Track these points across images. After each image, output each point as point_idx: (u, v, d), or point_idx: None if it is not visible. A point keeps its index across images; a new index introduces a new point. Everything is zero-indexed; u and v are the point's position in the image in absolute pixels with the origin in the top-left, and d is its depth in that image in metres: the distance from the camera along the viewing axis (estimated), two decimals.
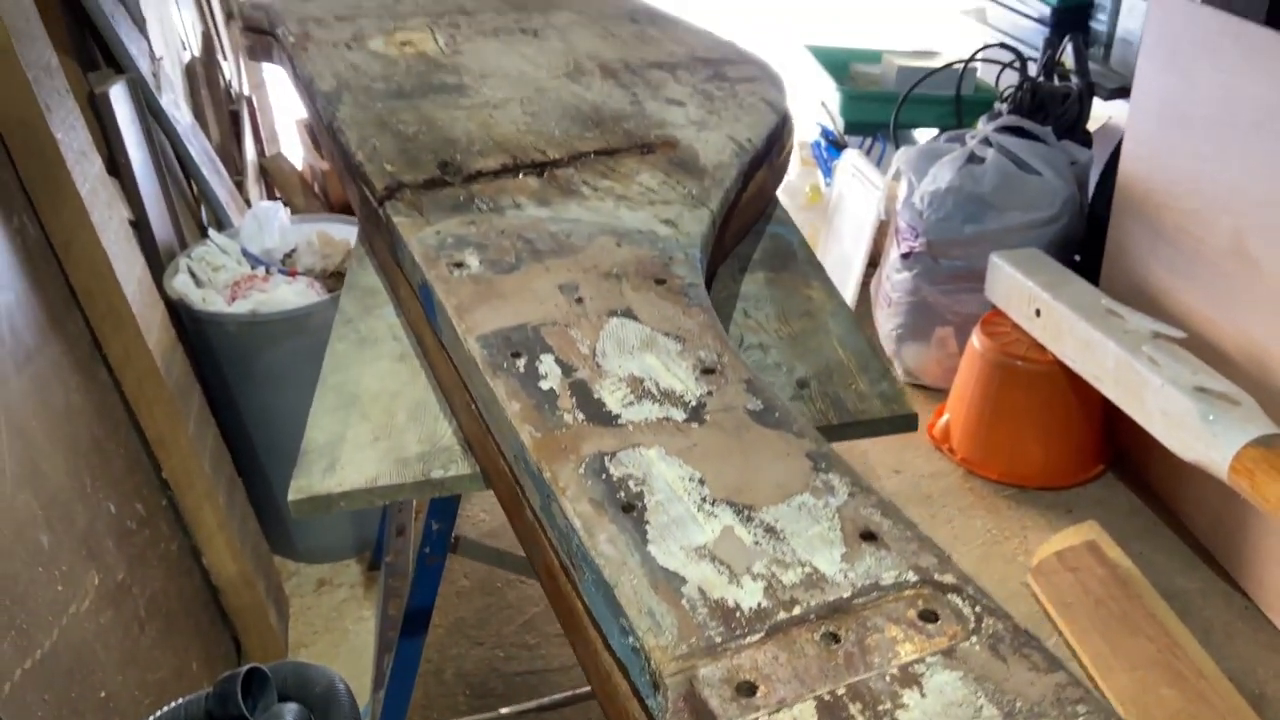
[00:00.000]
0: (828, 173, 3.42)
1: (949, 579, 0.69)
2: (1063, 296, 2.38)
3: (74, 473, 1.63)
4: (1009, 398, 2.55)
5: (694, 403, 0.88)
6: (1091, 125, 3.13)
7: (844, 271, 3.21)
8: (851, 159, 3.21)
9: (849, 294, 3.14)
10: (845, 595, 0.68)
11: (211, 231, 2.33)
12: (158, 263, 2.23)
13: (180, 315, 2.12)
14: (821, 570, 0.70)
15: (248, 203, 2.68)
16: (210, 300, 2.11)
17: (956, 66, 3.22)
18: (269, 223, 2.30)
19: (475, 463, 1.05)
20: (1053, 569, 2.26)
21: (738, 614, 0.66)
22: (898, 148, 3.14)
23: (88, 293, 1.72)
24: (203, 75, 2.88)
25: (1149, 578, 2.22)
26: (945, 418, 2.75)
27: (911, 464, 2.68)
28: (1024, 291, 2.49)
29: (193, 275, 2.23)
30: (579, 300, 1.05)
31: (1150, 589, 2.18)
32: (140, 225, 2.18)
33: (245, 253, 2.28)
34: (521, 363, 0.95)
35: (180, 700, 1.33)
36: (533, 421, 0.86)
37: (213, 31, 3.22)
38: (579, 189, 1.32)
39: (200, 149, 2.42)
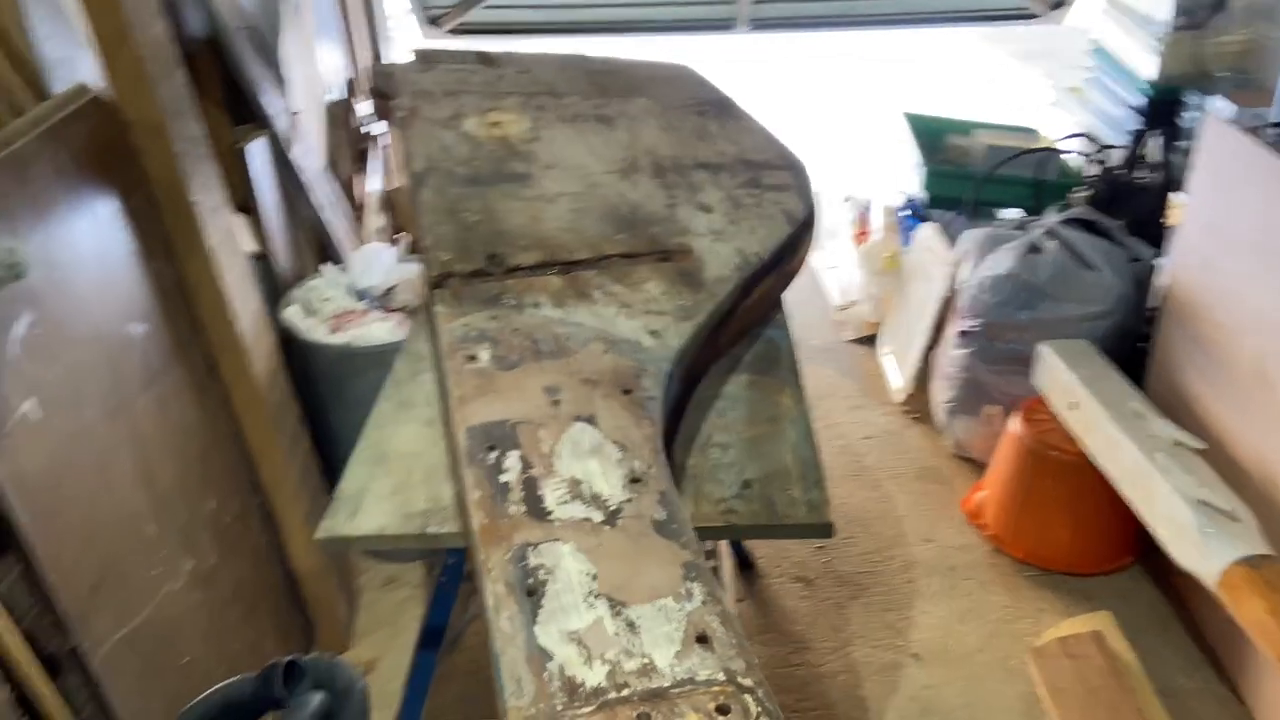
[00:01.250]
0: (908, 241, 3.56)
1: (748, 682, 0.90)
2: (1097, 392, 2.48)
3: (182, 475, 1.97)
4: (1040, 483, 2.65)
5: (614, 507, 1.11)
6: (1177, 218, 3.17)
7: (908, 340, 3.35)
8: (927, 232, 3.34)
9: (911, 362, 3.28)
10: (666, 685, 0.90)
11: (326, 266, 2.68)
12: (277, 292, 2.59)
13: (289, 341, 2.47)
14: (656, 663, 0.92)
15: (365, 238, 3.03)
16: (314, 330, 2.44)
17: (1042, 150, 3.31)
18: (375, 262, 2.63)
19: (463, 524, 1.31)
20: (1053, 653, 2.36)
21: (581, 689, 0.89)
22: (975, 226, 3.25)
23: (208, 325, 2.06)
24: (341, 116, 3.25)
25: (1152, 673, 2.30)
26: (982, 494, 2.87)
27: (943, 535, 2.81)
28: (1064, 383, 2.59)
29: (306, 303, 2.58)
30: (556, 402, 1.29)
31: (1146, 684, 2.27)
32: (265, 258, 2.54)
33: (352, 287, 2.61)
34: (493, 456, 1.19)
35: (236, 678, 1.64)
36: (485, 509, 1.11)
37: (356, 75, 3.60)
38: (592, 293, 1.56)
39: (324, 192, 2.77)
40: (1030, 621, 2.53)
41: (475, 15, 4.24)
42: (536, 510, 1.11)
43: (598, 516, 1.10)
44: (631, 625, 0.96)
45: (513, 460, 1.18)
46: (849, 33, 5.10)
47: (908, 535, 2.81)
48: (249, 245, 2.47)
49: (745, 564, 2.69)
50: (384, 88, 2.56)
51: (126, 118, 1.84)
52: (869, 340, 3.69)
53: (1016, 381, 2.89)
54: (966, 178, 3.38)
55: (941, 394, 3.13)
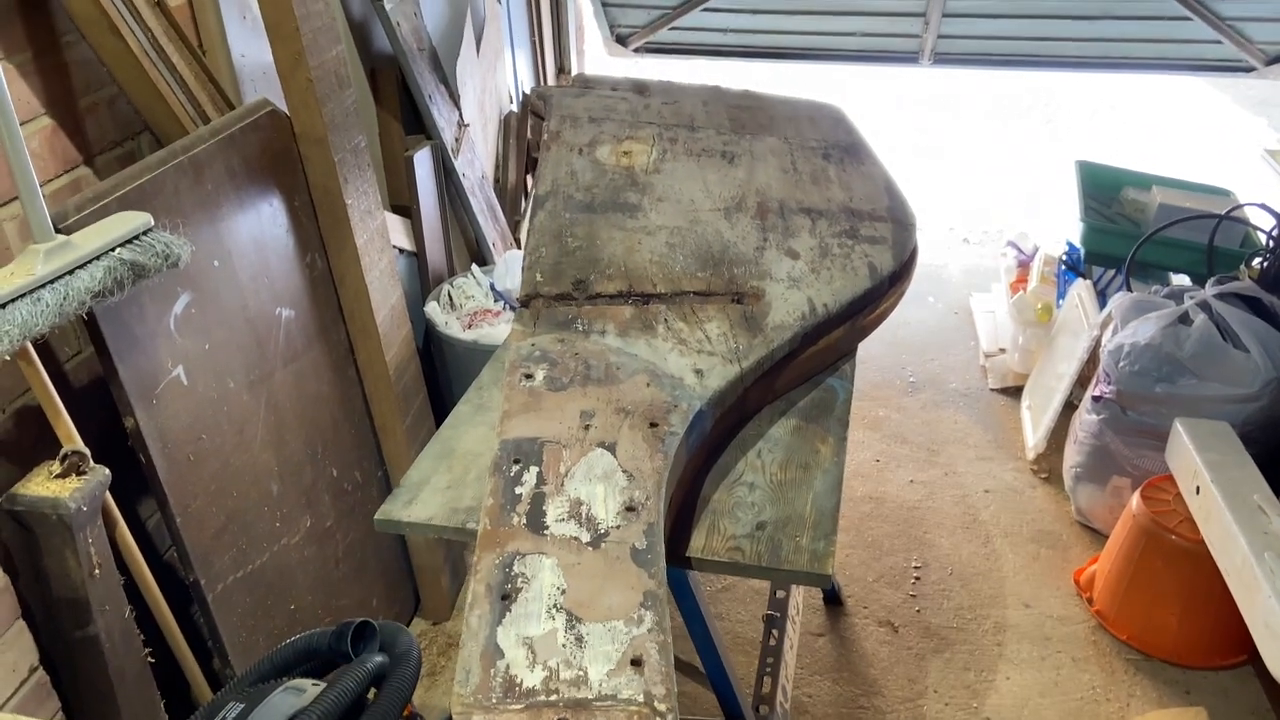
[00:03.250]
0: (1062, 294, 3.45)
1: (662, 708, 1.00)
2: (1221, 479, 2.36)
3: (310, 443, 2.23)
4: (1151, 566, 2.54)
5: (603, 530, 1.23)
6: None
7: (1048, 397, 3.25)
8: (1079, 289, 3.23)
9: (1046, 421, 3.19)
10: (589, 697, 1.01)
11: (474, 266, 2.92)
12: (426, 287, 2.85)
13: (432, 331, 2.72)
14: (588, 676, 1.03)
15: (517, 242, 3.26)
16: (450, 324, 2.68)
17: (1210, 216, 3.13)
18: (514, 267, 2.84)
19: None
20: None
21: (517, 688, 1.02)
22: (1129, 289, 3.13)
23: (350, 313, 2.32)
24: (515, 127, 3.50)
25: None
26: (1095, 567, 2.77)
27: (1045, 602, 2.74)
28: (1190, 464, 2.48)
29: (451, 298, 2.82)
30: (587, 427, 1.42)
31: None
32: (420, 255, 2.80)
33: (493, 288, 2.84)
34: (516, 469, 1.34)
35: (319, 630, 1.86)
36: (492, 516, 1.26)
37: (540, 86, 3.85)
38: (656, 326, 1.68)
39: (482, 199, 3.01)
40: (1118, 706, 2.44)
41: (662, 35, 4.42)
42: (535, 524, 1.24)
43: (586, 537, 1.22)
44: (580, 639, 1.07)
45: (530, 476, 1.32)
46: (1042, 74, 4.93)
47: (1007, 597, 2.76)
48: (404, 243, 2.74)
49: (832, 598, 2.73)
50: (539, 110, 2.76)
51: (296, 130, 2.11)
52: (1015, 391, 3.60)
53: (1149, 456, 2.78)
54: (1126, 235, 3.24)
55: (1070, 458, 3.03)
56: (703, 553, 1.40)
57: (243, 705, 1.66)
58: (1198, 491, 2.44)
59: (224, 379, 1.95)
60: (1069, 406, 3.19)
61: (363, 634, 1.75)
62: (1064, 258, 3.54)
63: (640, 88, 2.85)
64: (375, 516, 1.51)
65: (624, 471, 1.33)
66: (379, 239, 2.36)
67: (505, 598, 1.13)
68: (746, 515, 1.47)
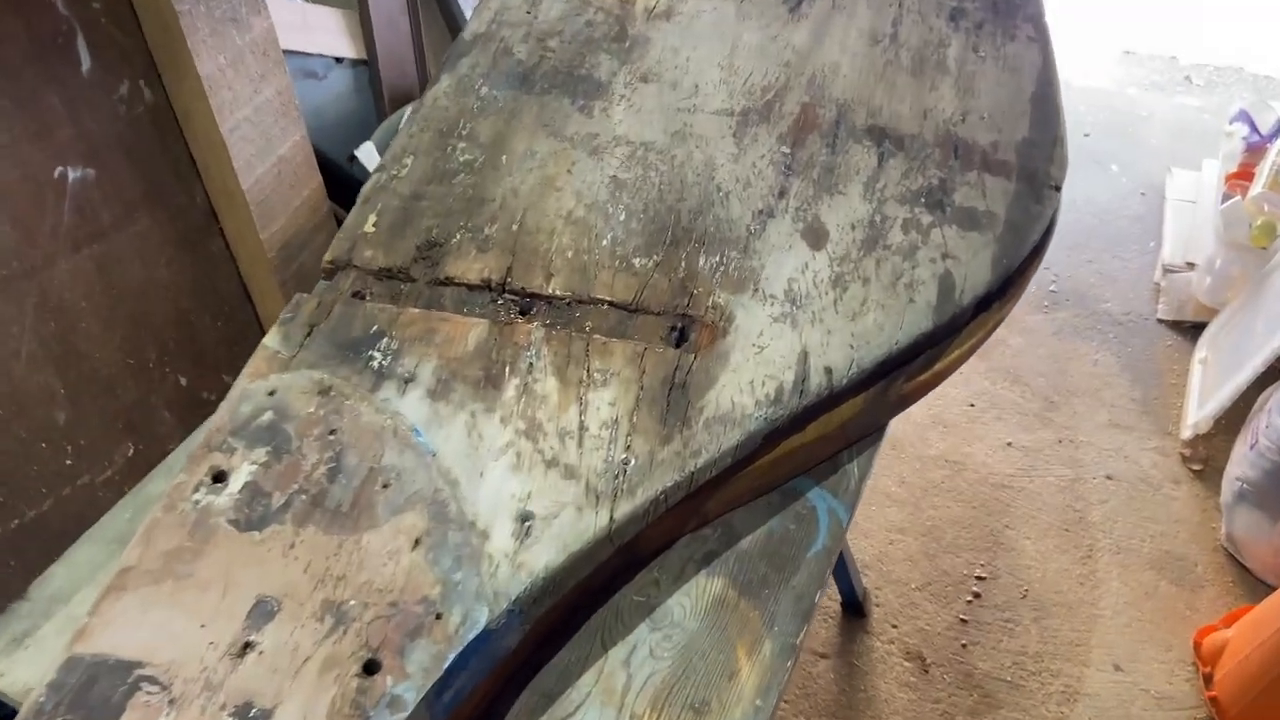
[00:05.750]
0: None
1: None
2: None
3: (132, 349, 1.62)
4: None
5: None
6: None
7: (1235, 359, 2.33)
8: None
9: (1224, 394, 2.29)
10: None
11: None
12: (384, 111, 2.09)
13: None
14: None
15: None
16: None
17: None
18: None
19: None
20: None
21: None
22: None
23: (205, 167, 1.62)
24: None
25: None
26: (1230, 633, 1.99)
27: (1145, 668, 2.00)
28: None
29: None
30: (245, 649, 0.74)
31: None
32: (372, 67, 2.03)
33: None
34: None
35: None
36: None
37: None
38: (505, 385, 0.93)
39: None
40: None
41: None
42: None
43: None
44: None
45: None
46: None
47: (1093, 649, 2.03)
48: (344, 49, 1.96)
49: (853, 608, 2.06)
50: None
51: None
52: (1193, 331, 2.65)
53: None
54: None
55: (1239, 464, 2.16)
56: None
57: None
58: None
59: None
60: (1272, 374, 2.26)
61: None
62: None
63: None
64: None
65: None
66: (256, 59, 1.60)
67: None
68: None
